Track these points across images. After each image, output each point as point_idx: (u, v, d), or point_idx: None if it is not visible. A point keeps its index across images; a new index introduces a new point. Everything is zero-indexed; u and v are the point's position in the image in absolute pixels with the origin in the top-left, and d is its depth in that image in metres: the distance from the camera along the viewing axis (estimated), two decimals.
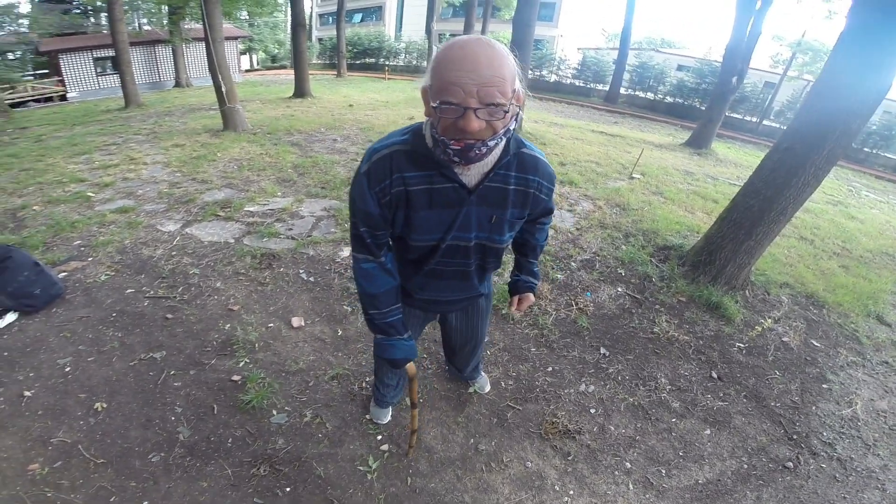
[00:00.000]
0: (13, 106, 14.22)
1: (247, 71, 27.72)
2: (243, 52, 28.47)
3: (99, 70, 18.29)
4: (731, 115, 14.66)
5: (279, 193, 4.56)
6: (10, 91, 15.12)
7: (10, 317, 2.47)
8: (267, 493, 1.66)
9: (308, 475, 1.73)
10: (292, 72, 13.19)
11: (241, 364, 2.23)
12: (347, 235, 3.59)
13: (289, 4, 14.07)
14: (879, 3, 2.43)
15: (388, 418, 1.97)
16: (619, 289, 3.15)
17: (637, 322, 2.81)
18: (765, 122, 15.02)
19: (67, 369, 2.16)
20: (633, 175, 6.06)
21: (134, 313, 2.58)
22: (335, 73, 21.56)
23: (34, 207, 4.09)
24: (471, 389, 2.16)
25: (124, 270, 3.02)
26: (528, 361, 2.42)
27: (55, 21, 17.39)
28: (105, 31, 16.05)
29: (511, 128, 0.93)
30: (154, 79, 19.54)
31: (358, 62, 26.39)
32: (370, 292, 1.19)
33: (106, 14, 14.33)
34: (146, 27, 19.83)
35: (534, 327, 2.67)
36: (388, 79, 20.89)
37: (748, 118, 15.65)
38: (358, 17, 31.92)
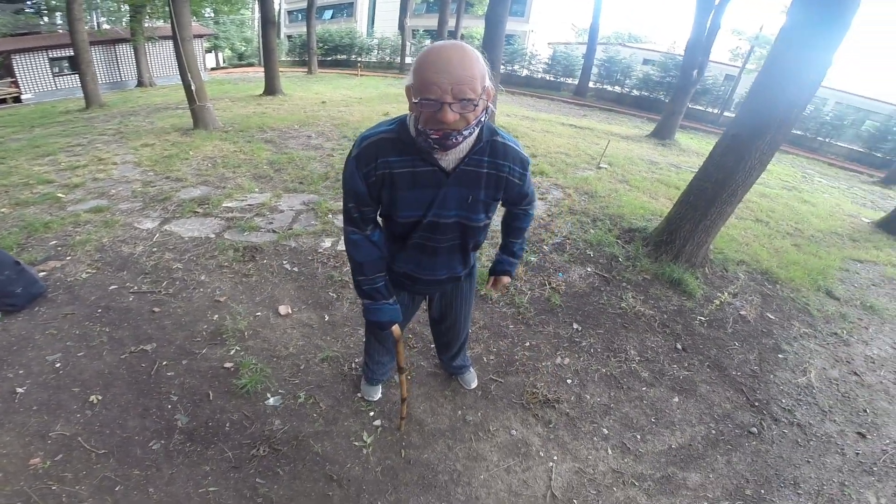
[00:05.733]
0: None
1: (212, 69, 26.95)
2: (209, 50, 27.69)
3: (55, 70, 17.48)
4: (694, 106, 15.19)
5: (256, 189, 4.57)
6: None
7: None
8: (268, 473, 1.72)
9: (306, 453, 1.81)
10: (261, 69, 12.98)
11: (233, 352, 2.29)
12: (328, 227, 3.68)
13: (257, 2, 13.81)
14: (815, 2, 2.65)
15: (379, 395, 2.07)
16: (589, 269, 3.34)
17: (606, 299, 3.00)
18: (725, 114, 15.54)
19: (58, 365, 2.16)
20: (601, 165, 6.32)
21: (120, 308, 2.60)
22: (306, 70, 21.17)
23: (2, 210, 3.99)
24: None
25: (105, 268, 3.01)
26: (506, 337, 2.57)
27: (8, 21, 16.60)
28: (61, 31, 15.40)
29: (482, 119, 1.09)
30: (115, 78, 18.86)
31: (329, 59, 26.01)
32: (357, 260, 1.34)
33: (61, 13, 13.77)
34: (105, 26, 19.11)
35: (511, 306, 2.83)
36: (361, 75, 20.68)
37: (710, 109, 16.24)
38: (328, 13, 31.38)
